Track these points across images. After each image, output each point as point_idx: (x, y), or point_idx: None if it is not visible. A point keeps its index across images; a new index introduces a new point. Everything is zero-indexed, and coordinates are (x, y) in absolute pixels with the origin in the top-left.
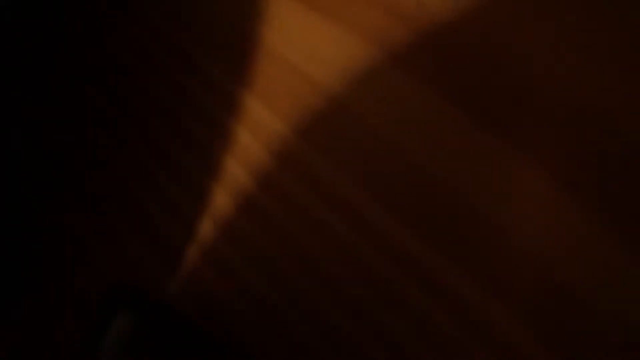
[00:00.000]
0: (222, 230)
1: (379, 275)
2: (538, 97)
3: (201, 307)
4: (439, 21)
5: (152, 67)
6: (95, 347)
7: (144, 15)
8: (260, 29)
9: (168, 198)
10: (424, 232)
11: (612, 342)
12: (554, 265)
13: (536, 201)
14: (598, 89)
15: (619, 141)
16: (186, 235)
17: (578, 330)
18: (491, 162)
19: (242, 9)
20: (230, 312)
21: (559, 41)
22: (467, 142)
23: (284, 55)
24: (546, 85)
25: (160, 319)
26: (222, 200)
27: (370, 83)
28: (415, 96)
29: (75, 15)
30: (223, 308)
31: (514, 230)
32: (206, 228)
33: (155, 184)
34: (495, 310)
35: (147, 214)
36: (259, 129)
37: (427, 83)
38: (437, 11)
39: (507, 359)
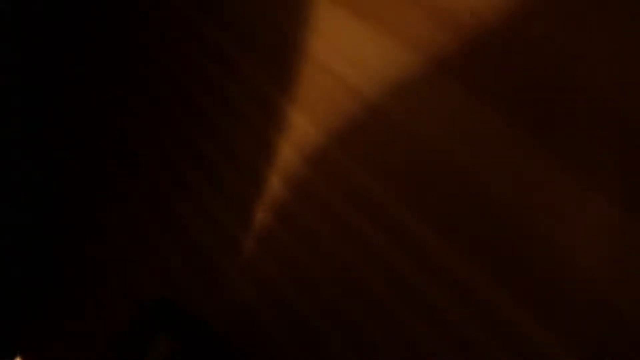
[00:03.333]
0: (261, 243)
1: (418, 292)
2: (604, 113)
3: (239, 323)
4: (491, 28)
5: (190, 69)
6: None
7: (186, 18)
8: (303, 34)
9: (208, 211)
10: (474, 253)
11: None
12: (612, 292)
13: (598, 226)
14: None
15: None
16: (223, 247)
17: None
18: (550, 181)
19: (285, 12)
20: (263, 323)
21: (628, 53)
22: (524, 159)
23: (326, 62)
24: (612, 102)
25: (200, 340)
26: (260, 213)
27: (416, 92)
28: (464, 107)
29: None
30: (258, 319)
31: (572, 253)
32: (247, 242)
33: (194, 195)
34: (549, 339)
35: (184, 224)
36: (297, 137)
37: (477, 93)
38: (490, 17)
39: None
